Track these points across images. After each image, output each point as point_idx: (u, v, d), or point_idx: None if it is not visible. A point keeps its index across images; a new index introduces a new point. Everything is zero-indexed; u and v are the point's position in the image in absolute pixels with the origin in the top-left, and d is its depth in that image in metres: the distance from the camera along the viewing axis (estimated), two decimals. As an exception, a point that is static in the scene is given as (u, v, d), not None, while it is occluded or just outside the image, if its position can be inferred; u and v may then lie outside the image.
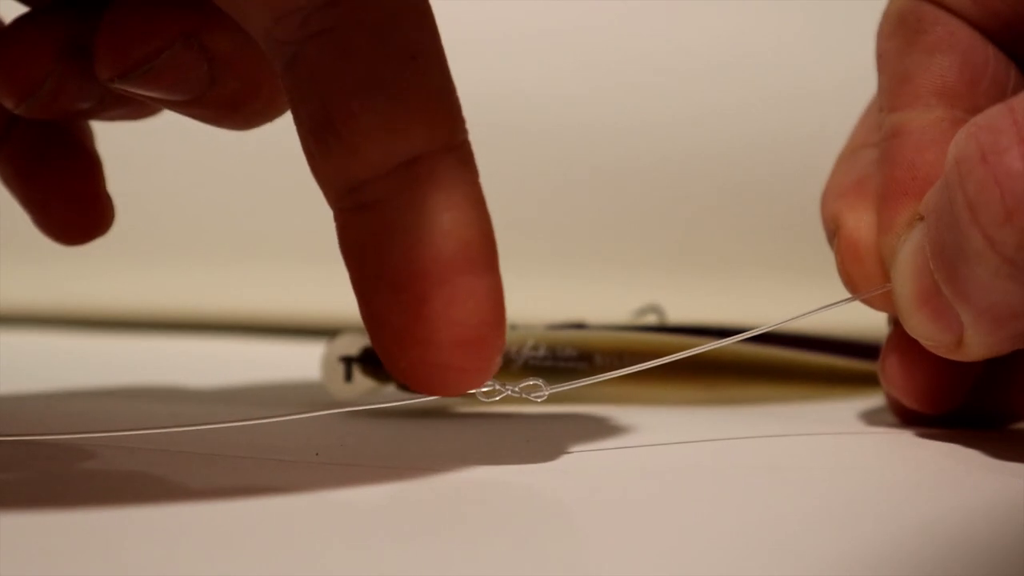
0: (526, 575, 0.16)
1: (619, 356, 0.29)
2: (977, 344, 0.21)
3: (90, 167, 0.26)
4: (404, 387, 0.28)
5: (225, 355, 0.47)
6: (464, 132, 0.20)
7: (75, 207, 0.26)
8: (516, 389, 0.22)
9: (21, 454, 0.22)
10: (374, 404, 0.25)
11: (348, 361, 0.28)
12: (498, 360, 0.20)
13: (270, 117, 0.24)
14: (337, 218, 0.20)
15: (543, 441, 0.24)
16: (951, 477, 0.22)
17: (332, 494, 0.19)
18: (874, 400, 0.30)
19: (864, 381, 0.32)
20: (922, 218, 0.22)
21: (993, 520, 0.18)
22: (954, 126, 0.23)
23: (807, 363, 0.31)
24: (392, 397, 0.28)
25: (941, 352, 0.22)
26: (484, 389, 0.21)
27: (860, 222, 0.24)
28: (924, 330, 0.22)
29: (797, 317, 0.24)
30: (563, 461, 0.22)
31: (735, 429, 0.26)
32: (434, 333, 0.19)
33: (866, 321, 0.28)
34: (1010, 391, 0.25)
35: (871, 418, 0.28)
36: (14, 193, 0.26)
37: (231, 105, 0.23)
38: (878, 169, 0.24)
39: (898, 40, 0.24)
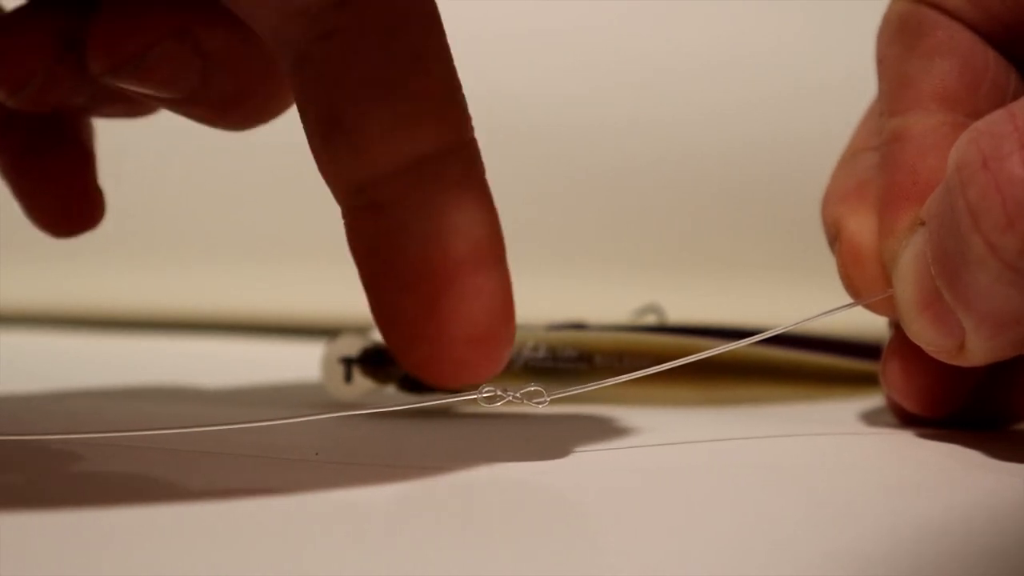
0: (526, 574, 0.16)
1: (619, 356, 0.29)
2: (978, 349, 0.21)
3: (82, 162, 0.26)
4: (404, 387, 0.28)
5: (225, 355, 0.47)
6: (471, 131, 0.20)
7: (65, 200, 0.26)
8: (518, 395, 0.22)
9: (21, 454, 0.22)
10: (376, 407, 0.25)
11: (348, 362, 0.28)
12: (508, 353, 0.20)
13: (265, 119, 0.24)
14: (346, 217, 0.20)
15: (543, 441, 0.25)
16: (951, 477, 0.22)
17: (333, 494, 0.19)
18: (874, 400, 0.30)
19: (864, 381, 0.32)
20: (923, 223, 0.22)
21: (993, 520, 0.18)
22: (955, 130, 0.23)
23: (807, 363, 0.31)
24: (393, 398, 0.28)
25: (942, 357, 0.22)
26: (485, 394, 0.21)
27: (861, 226, 0.24)
28: (925, 335, 0.22)
29: (800, 323, 0.24)
30: (562, 461, 0.22)
31: (736, 430, 0.26)
32: (445, 330, 0.20)
33: (866, 321, 0.28)
34: (1011, 394, 0.25)
35: (871, 418, 0.28)
36: (8, 183, 0.26)
37: (225, 105, 0.23)
38: (879, 173, 0.24)
39: (898, 44, 0.24)
